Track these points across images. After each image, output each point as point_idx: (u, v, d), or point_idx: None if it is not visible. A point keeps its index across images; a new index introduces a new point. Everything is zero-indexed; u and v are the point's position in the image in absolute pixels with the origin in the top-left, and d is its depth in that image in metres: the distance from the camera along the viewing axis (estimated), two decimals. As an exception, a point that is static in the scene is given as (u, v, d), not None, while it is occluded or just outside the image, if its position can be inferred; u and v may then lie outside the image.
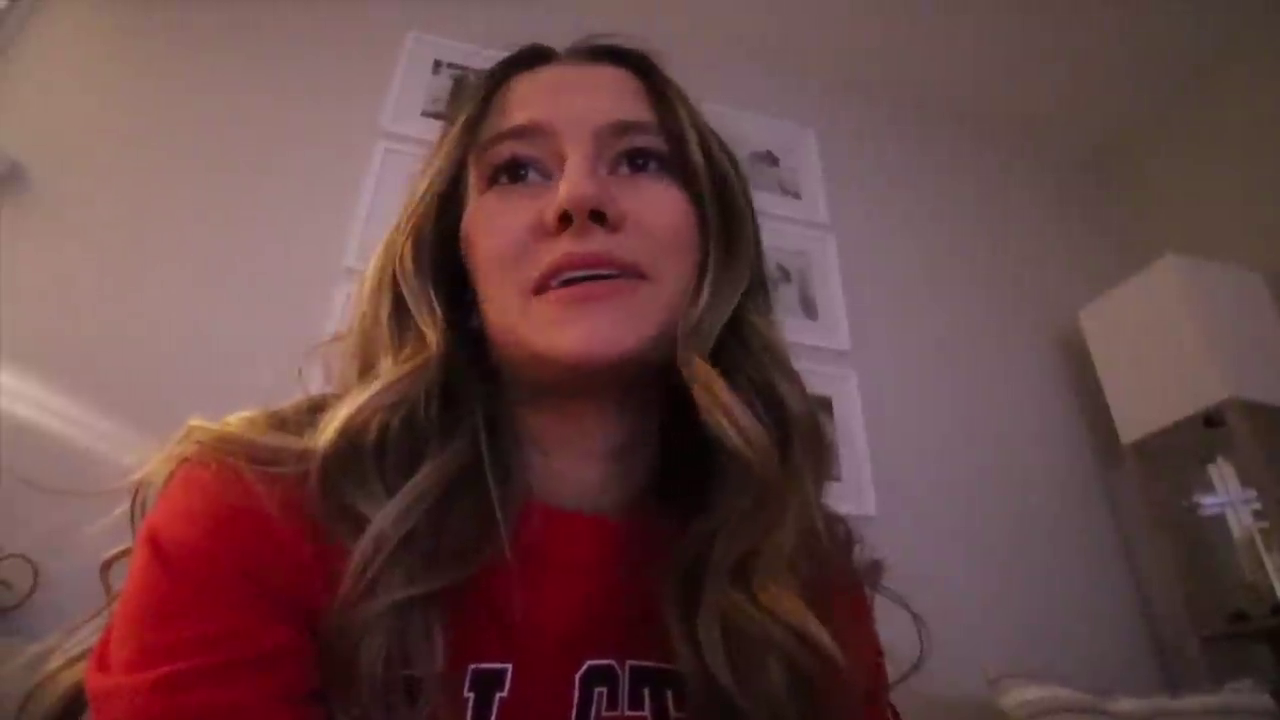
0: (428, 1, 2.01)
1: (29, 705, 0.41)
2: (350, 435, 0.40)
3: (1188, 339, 1.81)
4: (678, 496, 0.50)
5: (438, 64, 1.92)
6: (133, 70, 1.74)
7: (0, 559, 1.18)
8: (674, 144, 0.48)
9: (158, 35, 1.79)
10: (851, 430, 1.80)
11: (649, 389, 0.47)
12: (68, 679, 0.40)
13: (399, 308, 0.46)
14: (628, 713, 0.44)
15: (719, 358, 0.45)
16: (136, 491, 0.42)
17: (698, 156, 0.48)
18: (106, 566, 0.43)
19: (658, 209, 0.45)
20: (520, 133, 0.46)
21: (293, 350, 0.49)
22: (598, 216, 0.42)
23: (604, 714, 0.43)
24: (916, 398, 1.95)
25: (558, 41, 0.54)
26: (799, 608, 0.42)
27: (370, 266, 0.49)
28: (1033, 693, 1.39)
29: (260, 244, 1.58)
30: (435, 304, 0.45)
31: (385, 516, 0.38)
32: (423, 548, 0.38)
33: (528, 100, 0.47)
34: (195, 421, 0.42)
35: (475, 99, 0.49)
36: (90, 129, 1.64)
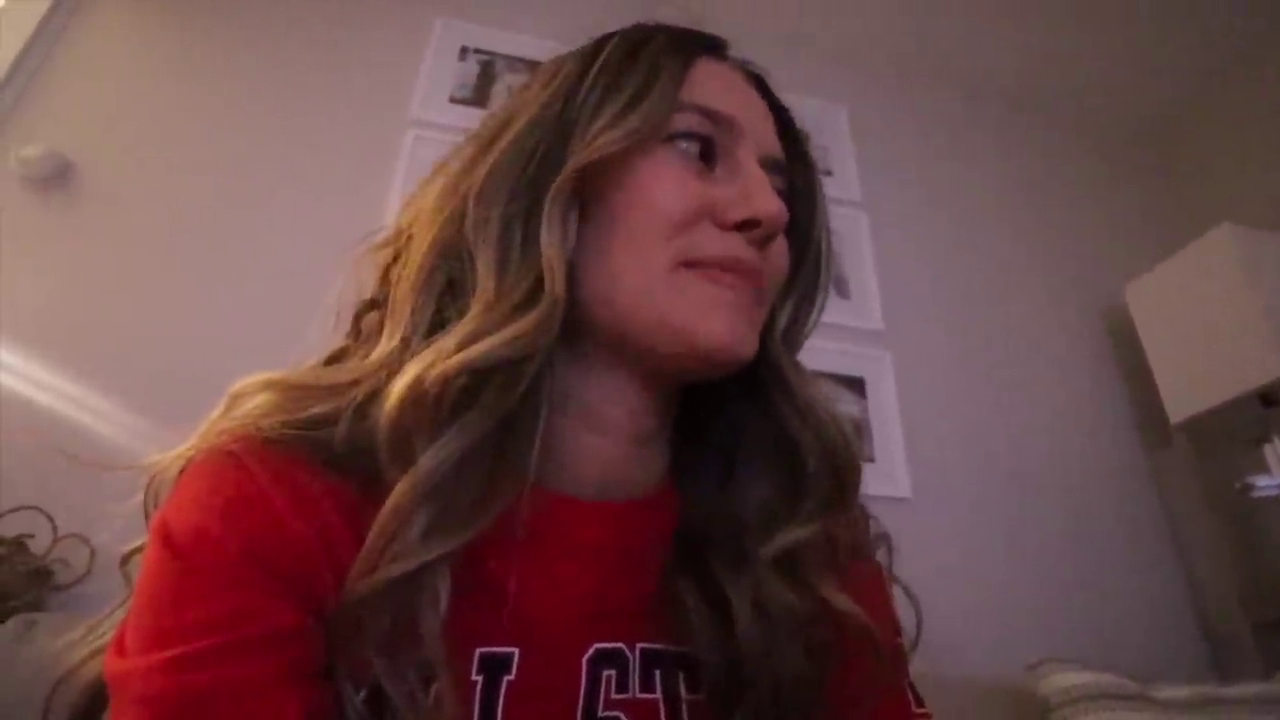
0: (454, -13, 2.02)
1: (54, 697, 0.42)
2: (458, 376, 0.38)
3: (1243, 313, 1.73)
4: (684, 479, 0.52)
5: (464, 50, 1.93)
6: (173, 69, 1.79)
7: (58, 539, 1.25)
8: (798, 194, 0.52)
9: (196, 34, 1.83)
10: (885, 411, 1.77)
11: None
12: (91, 671, 0.41)
13: (513, 221, 0.44)
14: (639, 695, 0.44)
15: None
16: (151, 481, 0.43)
17: (820, 217, 0.53)
18: (125, 560, 0.44)
19: (782, 248, 0.48)
20: (716, 117, 0.47)
21: (329, 340, 0.49)
22: (771, 237, 0.45)
23: (613, 696, 0.44)
24: (953, 378, 1.91)
25: (577, 28, 0.54)
26: (845, 597, 0.45)
27: (488, 160, 0.46)
28: (1073, 678, 1.35)
29: (295, 235, 1.61)
30: (573, 238, 0.44)
31: (425, 464, 0.37)
32: (444, 504, 0.38)
33: (722, 88, 0.49)
34: (237, 387, 0.43)
35: (679, 60, 0.48)
36: (133, 126, 1.68)
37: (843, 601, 0.44)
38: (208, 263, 1.56)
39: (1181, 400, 1.84)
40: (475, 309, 0.41)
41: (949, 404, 1.87)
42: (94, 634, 0.43)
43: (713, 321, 0.43)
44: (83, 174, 1.59)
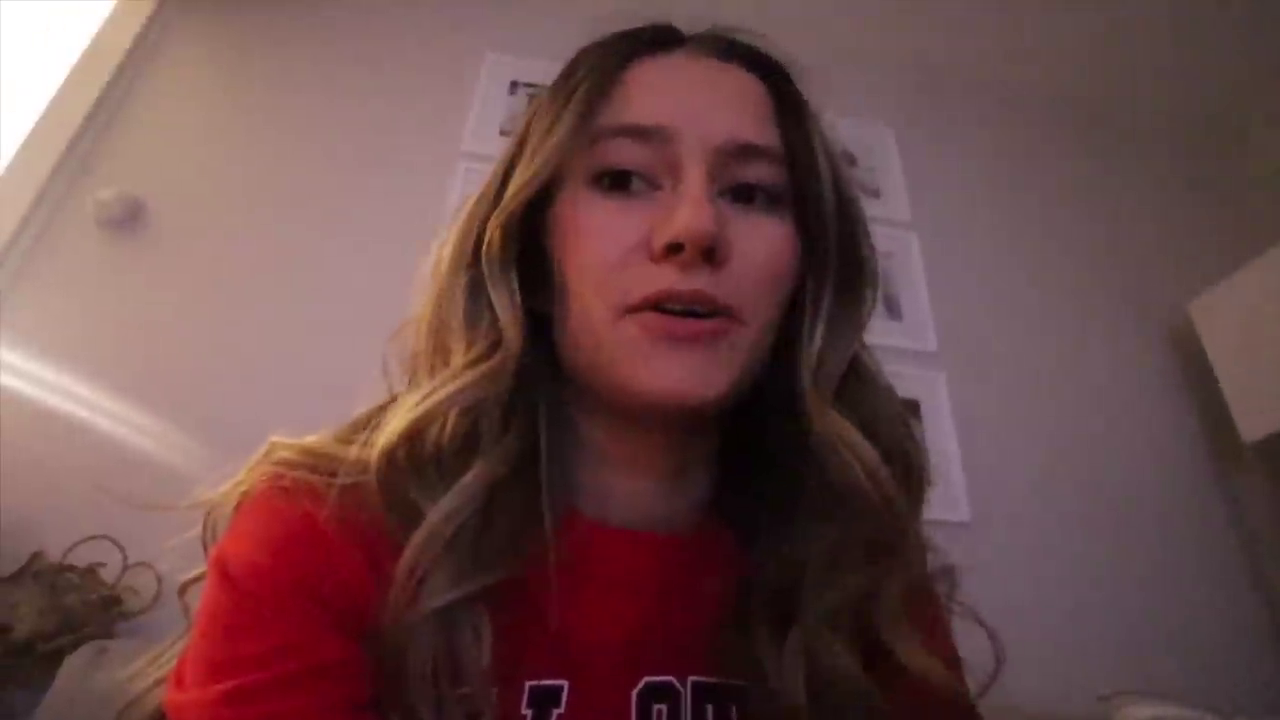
0: (503, 22, 2.06)
1: None
2: (416, 433, 0.40)
3: (1315, 328, 1.66)
4: (738, 513, 0.50)
5: (514, 84, 1.96)
6: (238, 108, 1.85)
7: (128, 567, 1.28)
8: (800, 176, 0.46)
9: (258, 75, 1.89)
10: (941, 434, 1.73)
11: (719, 413, 0.46)
12: (154, 700, 0.42)
13: (475, 290, 0.44)
14: None
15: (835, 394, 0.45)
16: (208, 515, 0.45)
17: (828, 194, 0.46)
18: (183, 590, 0.45)
19: (764, 249, 0.43)
20: (640, 133, 0.43)
21: (394, 375, 0.50)
22: (708, 253, 0.40)
23: None
24: (1011, 399, 1.86)
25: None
26: (933, 660, 0.41)
27: (450, 240, 0.47)
28: (1149, 710, 1.30)
29: (352, 272, 1.64)
30: (518, 295, 0.44)
31: (438, 511, 0.38)
32: (469, 547, 0.38)
33: (652, 93, 0.44)
34: (276, 438, 0.44)
35: (595, 79, 0.45)
36: (201, 165, 1.74)
37: (920, 660, 0.41)
38: (269, 298, 1.60)
39: (1254, 419, 1.76)
40: (442, 371, 0.42)
41: (1007, 425, 1.82)
42: (157, 664, 0.44)
43: (652, 375, 0.40)
44: (154, 214, 1.64)
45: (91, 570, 1.27)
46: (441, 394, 0.40)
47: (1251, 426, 1.76)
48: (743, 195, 0.44)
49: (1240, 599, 1.74)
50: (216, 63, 1.92)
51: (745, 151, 0.44)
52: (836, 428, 0.42)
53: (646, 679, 0.44)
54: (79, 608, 1.22)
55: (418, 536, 0.38)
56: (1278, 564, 1.75)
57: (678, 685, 0.44)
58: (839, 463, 0.42)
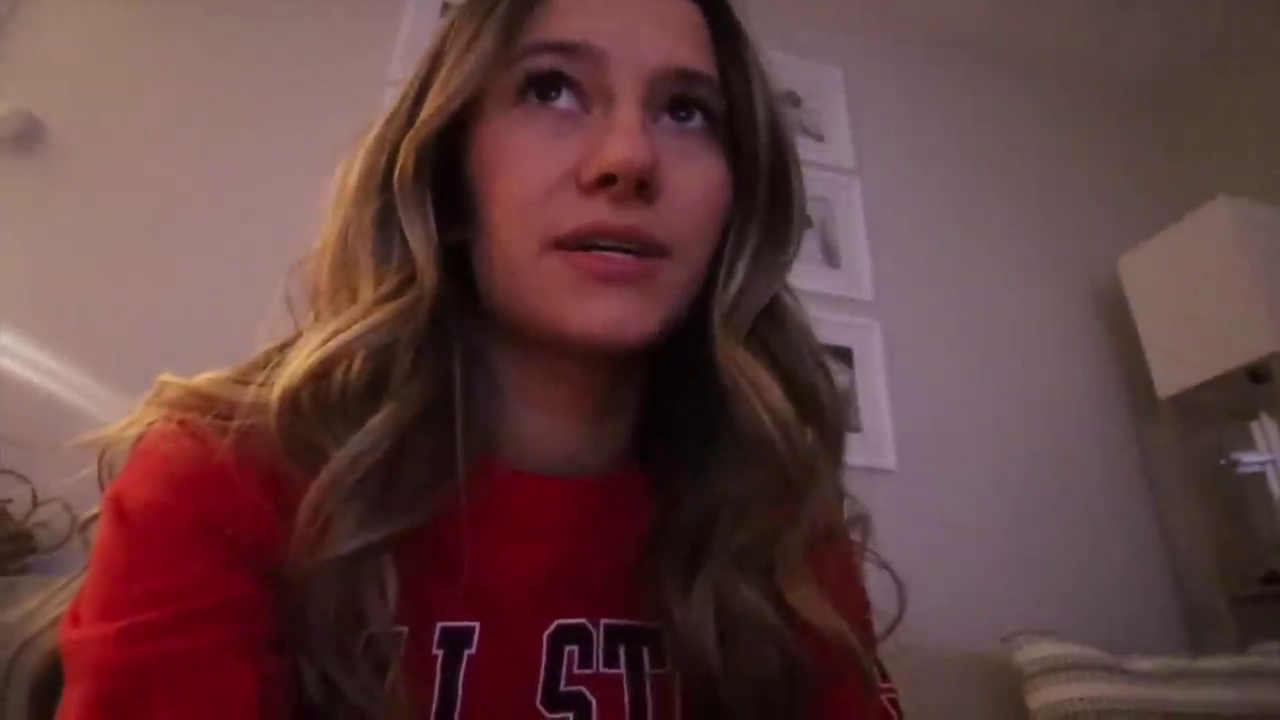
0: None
1: (14, 665, 0.42)
2: (320, 374, 0.38)
3: (1237, 287, 1.70)
4: (657, 457, 0.49)
5: (445, 6, 1.86)
6: (144, 23, 1.73)
7: (40, 503, 1.25)
8: (735, 107, 0.43)
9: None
10: (872, 382, 1.76)
11: (643, 354, 0.44)
12: (51, 639, 0.40)
13: (385, 219, 0.41)
14: (602, 670, 0.44)
15: (748, 336, 0.43)
16: (102, 454, 0.42)
17: (764, 128, 0.44)
18: (83, 526, 0.43)
19: (700, 184, 0.41)
20: (568, 49, 0.40)
21: (298, 310, 0.47)
22: (641, 186, 0.38)
23: (576, 672, 0.43)
24: (942, 349, 1.90)
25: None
26: (826, 609, 0.41)
27: (355, 164, 0.44)
28: (1046, 649, 1.37)
29: (268, 201, 1.57)
30: (433, 226, 0.41)
31: (343, 455, 0.36)
32: (375, 493, 0.37)
33: (581, 10, 0.41)
34: (165, 377, 0.42)
35: None
36: (104, 84, 1.64)
37: (822, 614, 0.41)
38: (178, 223, 1.54)
39: (1170, 375, 1.82)
40: (349, 308, 0.40)
41: (937, 375, 1.86)
42: (52, 602, 0.42)
43: (579, 313, 0.38)
44: (52, 133, 1.55)
45: (-1, 507, 1.24)
46: (349, 334, 0.38)
47: (1167, 382, 1.82)
48: (679, 110, 0.42)
49: (1142, 546, 1.84)
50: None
51: (680, 77, 0.41)
52: (746, 369, 0.41)
53: (558, 621, 0.43)
54: (-14, 544, 1.19)
55: (321, 480, 0.35)
56: (1180, 513, 1.84)
57: (589, 627, 0.44)
58: (746, 405, 0.41)
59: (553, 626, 0.43)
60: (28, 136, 1.52)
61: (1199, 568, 1.78)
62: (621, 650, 0.45)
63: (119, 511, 0.37)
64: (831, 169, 1.95)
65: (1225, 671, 1.37)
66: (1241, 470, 1.85)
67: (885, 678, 0.50)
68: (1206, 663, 1.40)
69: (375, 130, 0.44)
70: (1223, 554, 1.72)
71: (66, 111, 1.57)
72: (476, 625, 0.41)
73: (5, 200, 1.48)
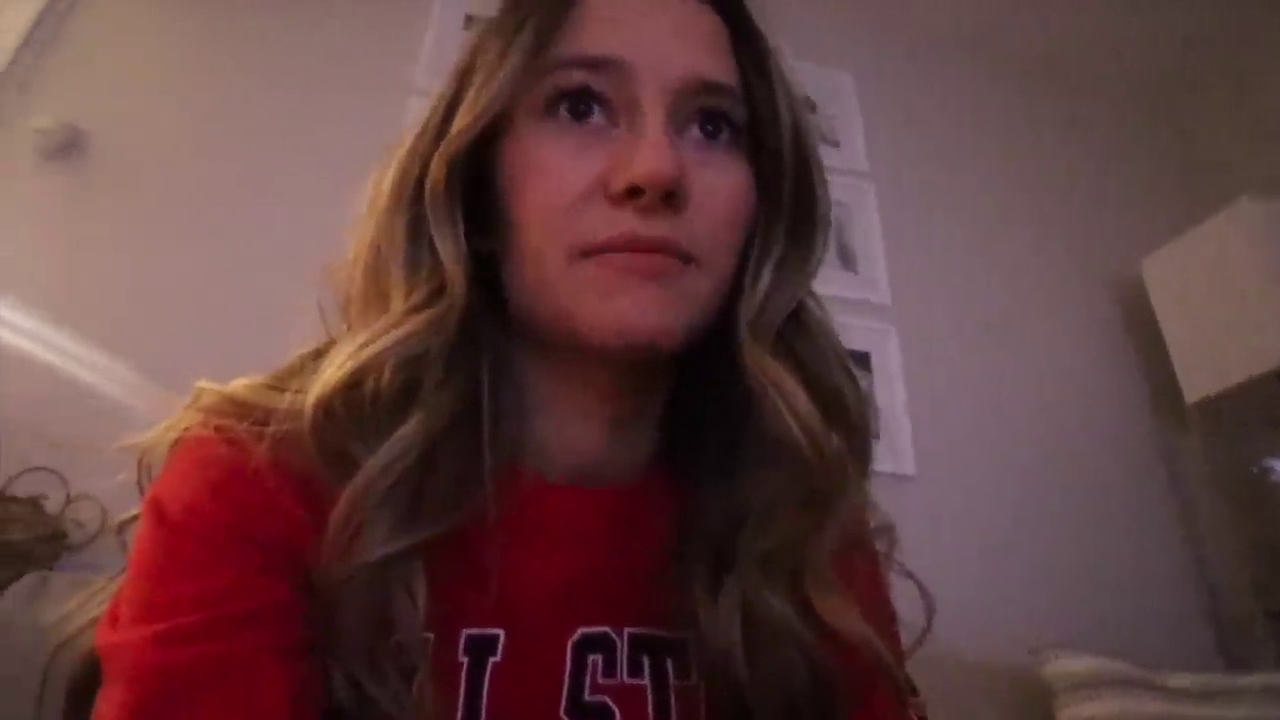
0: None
1: (53, 665, 0.43)
2: (353, 383, 0.39)
3: (1263, 290, 1.66)
4: (683, 464, 0.49)
5: (469, 19, 1.90)
6: (181, 37, 1.79)
7: (72, 500, 1.29)
8: (757, 114, 0.44)
9: (204, 2, 1.83)
10: (891, 387, 1.74)
11: (669, 360, 0.45)
12: (88, 640, 0.42)
13: (417, 230, 0.43)
14: (626, 680, 0.44)
15: (774, 341, 0.44)
16: (141, 458, 0.44)
17: (787, 136, 0.44)
18: (121, 528, 0.44)
19: (725, 193, 0.42)
20: (595, 64, 0.41)
21: (330, 317, 0.48)
22: (668, 197, 0.39)
23: (600, 681, 0.43)
24: (961, 354, 1.87)
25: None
26: (855, 617, 0.41)
27: (388, 176, 0.45)
28: (1077, 664, 1.33)
29: (303, 205, 1.60)
30: (463, 238, 0.42)
31: (375, 463, 0.37)
32: (406, 501, 0.38)
33: (607, 24, 0.42)
34: (203, 383, 0.43)
35: (546, 8, 0.43)
36: (144, 96, 1.70)
37: (852, 623, 0.41)
38: (215, 227, 1.58)
39: (1197, 379, 1.78)
40: (380, 317, 0.41)
41: (957, 380, 1.84)
42: (91, 603, 0.43)
43: (608, 310, 0.39)
44: (95, 145, 1.61)
45: (34, 502, 1.27)
46: (380, 344, 0.39)
47: (1194, 387, 1.78)
48: (708, 123, 0.43)
49: (1172, 556, 1.79)
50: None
51: (705, 89, 0.42)
52: (772, 374, 0.42)
53: (582, 629, 0.44)
54: (21, 540, 1.21)
55: (353, 488, 0.37)
56: (1209, 523, 1.80)
57: (613, 635, 0.45)
58: (773, 410, 0.41)
59: (577, 635, 0.44)
60: (72, 147, 1.57)
61: (1231, 579, 1.72)
62: (646, 660, 0.45)
63: (159, 515, 0.38)
64: (846, 174, 1.94)
65: (1265, 688, 1.32)
66: (1274, 478, 1.80)
67: (914, 690, 0.49)
68: (1244, 679, 1.35)
69: (406, 144, 0.45)
70: (1255, 565, 1.67)
71: (109, 123, 1.62)
72: (501, 633, 0.42)
73: (51, 206, 1.54)
